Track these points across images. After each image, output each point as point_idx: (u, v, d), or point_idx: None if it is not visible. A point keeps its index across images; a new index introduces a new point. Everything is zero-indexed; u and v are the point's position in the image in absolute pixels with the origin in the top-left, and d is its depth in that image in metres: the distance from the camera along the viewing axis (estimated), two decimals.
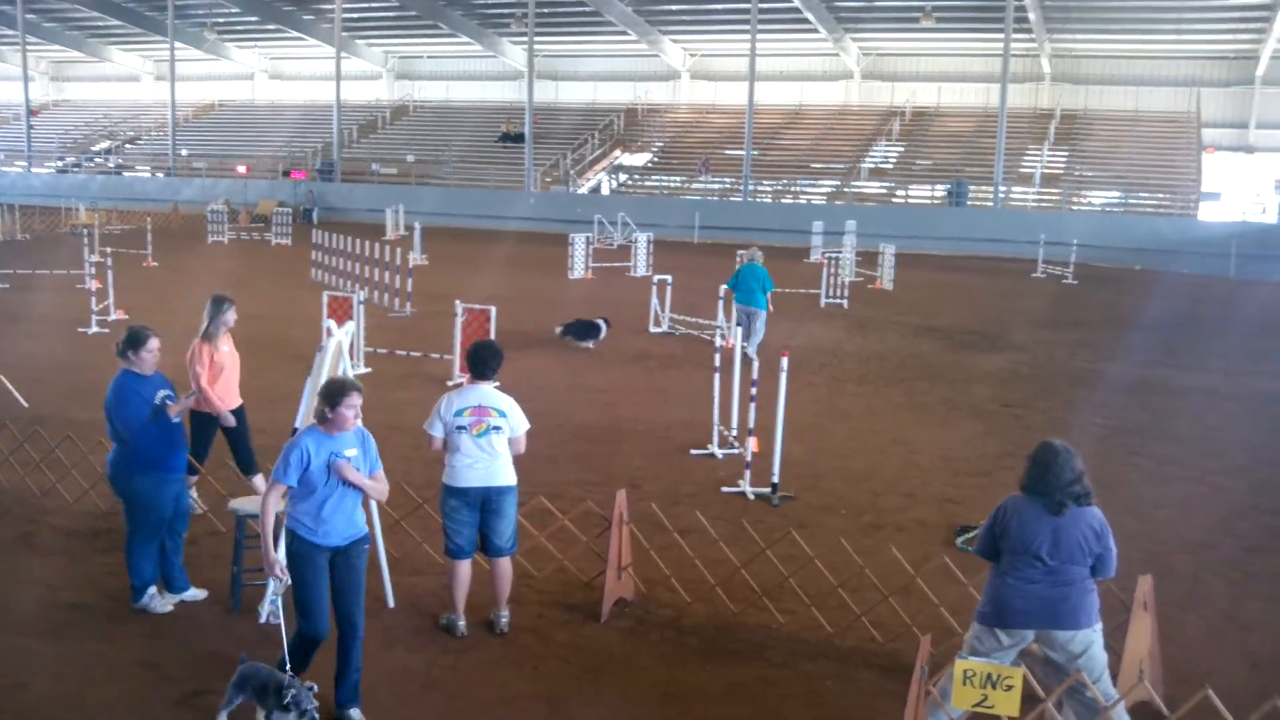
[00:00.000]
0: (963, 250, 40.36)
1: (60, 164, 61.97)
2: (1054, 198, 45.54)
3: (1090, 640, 5.72)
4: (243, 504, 7.86)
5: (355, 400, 6.21)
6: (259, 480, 9.11)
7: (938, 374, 17.22)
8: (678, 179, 51.88)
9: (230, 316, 9.23)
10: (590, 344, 18.36)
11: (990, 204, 44.04)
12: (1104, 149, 48.49)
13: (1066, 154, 48.41)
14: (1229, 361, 19.30)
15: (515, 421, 7.29)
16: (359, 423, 6.35)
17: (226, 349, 9.23)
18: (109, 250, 23.65)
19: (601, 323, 18.65)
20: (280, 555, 6.38)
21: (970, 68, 52.68)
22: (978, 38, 49.51)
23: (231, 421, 9.13)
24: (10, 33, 61.86)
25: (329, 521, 6.19)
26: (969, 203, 44.67)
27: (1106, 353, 19.77)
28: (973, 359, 18.69)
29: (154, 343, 7.64)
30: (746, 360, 11.63)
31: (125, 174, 60.23)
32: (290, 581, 6.23)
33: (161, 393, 7.61)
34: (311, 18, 57.50)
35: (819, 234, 36.69)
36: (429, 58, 64.25)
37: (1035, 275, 34.05)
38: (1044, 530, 5.68)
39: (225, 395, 9.14)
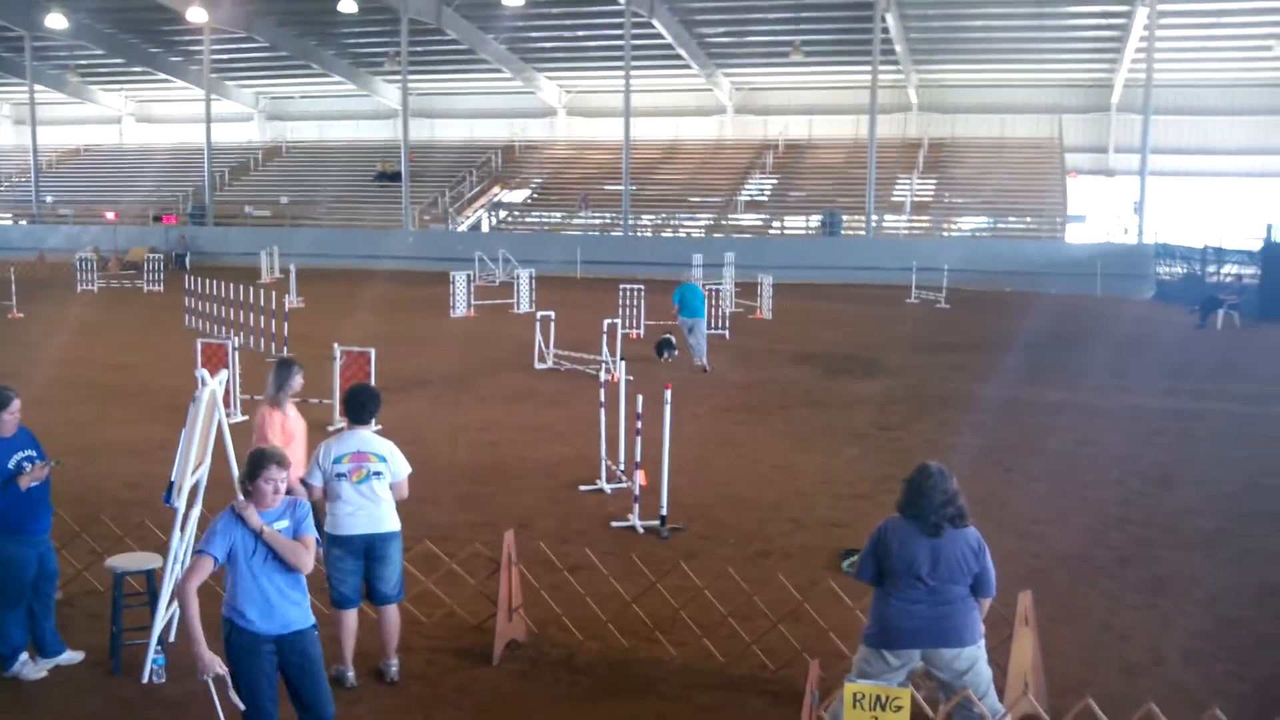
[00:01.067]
0: (838, 279, 41.17)
1: None
2: (925, 225, 46.83)
3: (975, 657, 5.85)
4: (121, 561, 7.62)
5: (275, 474, 5.72)
6: None
7: (817, 400, 17.51)
8: (558, 215, 52.03)
9: (298, 381, 8.65)
10: (669, 357, 20.89)
11: (863, 233, 45.05)
12: (972, 175, 50.00)
13: (935, 181, 49.78)
14: (1098, 378, 19.97)
15: (396, 466, 7.21)
16: (280, 497, 5.82)
17: (292, 414, 8.66)
18: None
19: (671, 338, 21.44)
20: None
21: (840, 100, 53.94)
22: (846, 70, 50.72)
23: (302, 493, 8.39)
24: None
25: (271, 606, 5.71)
26: (843, 232, 45.62)
27: (979, 374, 20.31)
28: (850, 384, 19.05)
29: (15, 404, 7.33)
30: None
31: None
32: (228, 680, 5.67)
33: (19, 455, 7.30)
34: (180, 59, 56.41)
35: (699, 266, 37.05)
36: (301, 98, 63.51)
37: (909, 301, 34.89)
38: (923, 551, 5.80)
39: (295, 464, 8.55)
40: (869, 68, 43.69)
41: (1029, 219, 46.80)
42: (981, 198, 48.52)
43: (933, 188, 49.52)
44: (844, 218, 45.93)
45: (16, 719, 6.81)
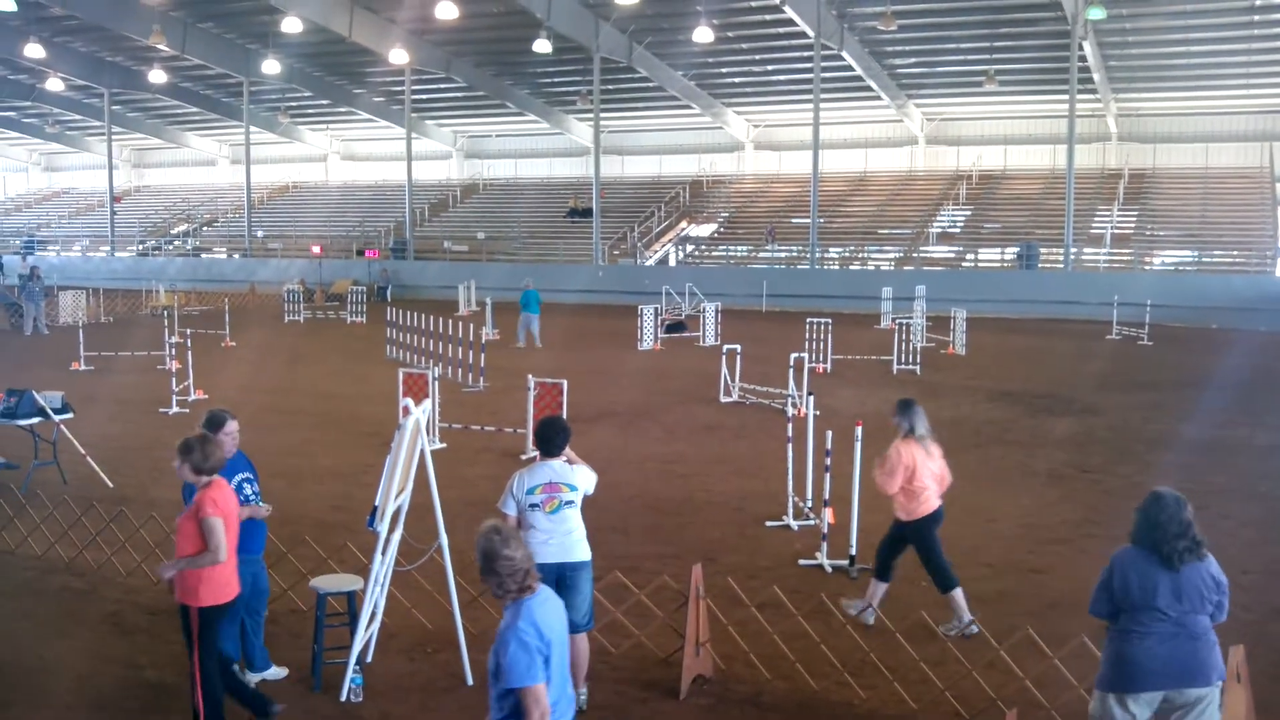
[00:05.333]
0: (1035, 313, 39.94)
1: (141, 247, 63.71)
2: (1125, 258, 45.02)
3: (1215, 699, 5.54)
4: (324, 582, 7.93)
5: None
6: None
7: (1014, 439, 16.97)
8: (744, 248, 52.09)
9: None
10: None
11: (1061, 266, 43.63)
12: (1174, 207, 47.96)
13: (1136, 213, 47.93)
14: None
15: (585, 486, 7.36)
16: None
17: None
18: (188, 331, 24.18)
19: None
20: None
21: (1035, 129, 52.56)
22: (1042, 99, 49.42)
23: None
24: (96, 124, 64.09)
25: None
26: (1039, 265, 44.28)
27: (1185, 414, 19.36)
28: (1048, 423, 18.41)
29: (232, 425, 7.72)
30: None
31: (203, 256, 61.81)
32: None
33: (239, 476, 7.68)
34: (382, 100, 58.88)
35: (888, 300, 36.56)
36: (497, 136, 65.44)
37: (1109, 337, 33.55)
38: (1163, 582, 5.51)
39: None
40: (1066, 96, 42.40)
41: (1236, 252, 44.48)
42: (1185, 230, 46.43)
43: (1134, 219, 47.66)
44: (1040, 250, 44.60)
45: None
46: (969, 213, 50.96)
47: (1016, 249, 45.40)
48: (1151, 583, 5.51)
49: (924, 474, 8.70)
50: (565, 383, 15.23)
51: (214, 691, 6.70)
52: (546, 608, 4.83)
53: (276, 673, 7.86)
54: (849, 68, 46.18)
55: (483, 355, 22.12)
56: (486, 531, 4.81)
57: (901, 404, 9.02)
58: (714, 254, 52.64)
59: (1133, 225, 47.29)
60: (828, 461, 10.61)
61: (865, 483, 10.52)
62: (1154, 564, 5.54)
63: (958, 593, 8.67)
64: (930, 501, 8.76)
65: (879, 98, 50.95)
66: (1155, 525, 5.56)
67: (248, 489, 7.67)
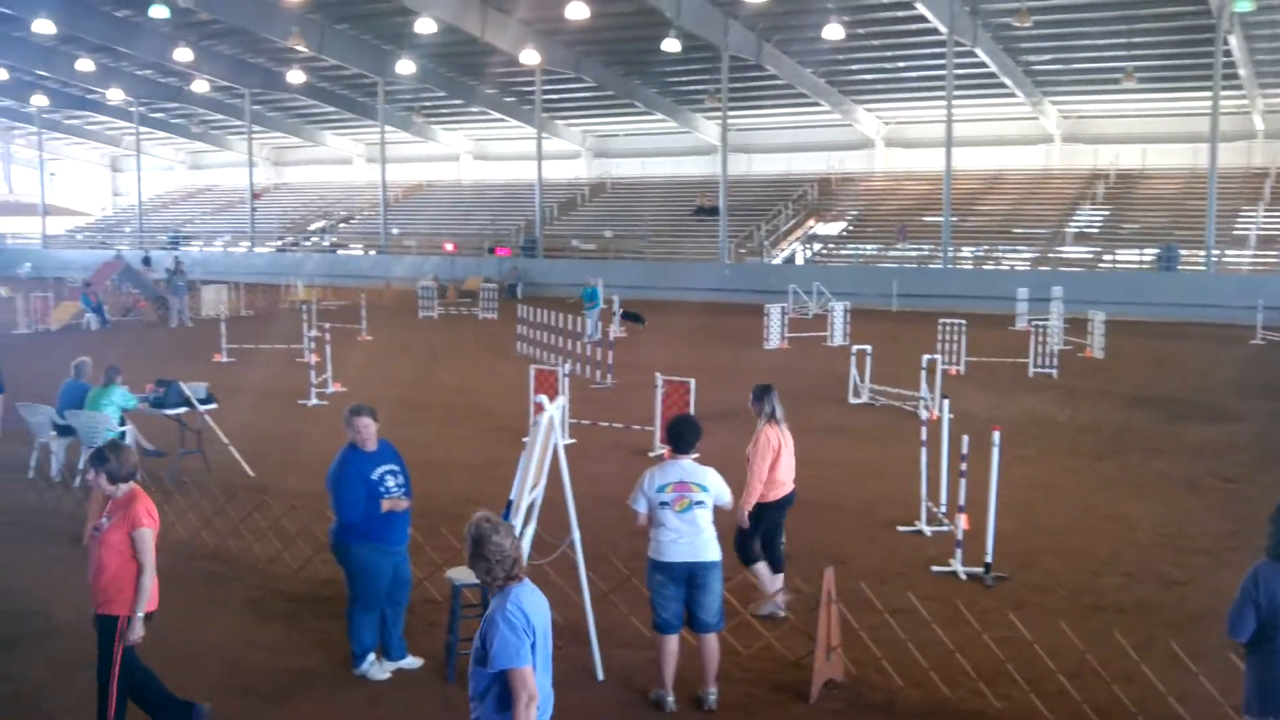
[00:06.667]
0: (1175, 316, 38.59)
1: (280, 243, 65.65)
2: (1271, 260, 43.20)
3: None
4: (459, 574, 8.06)
5: None
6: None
7: (1153, 446, 16.43)
8: (873, 247, 51.43)
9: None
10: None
11: (1203, 268, 42.08)
12: None
13: None
14: None
15: (718, 493, 7.33)
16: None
17: None
18: (326, 325, 24.85)
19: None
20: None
21: (1176, 127, 50.70)
22: (1184, 96, 47.61)
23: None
24: (238, 123, 66.24)
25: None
26: (1180, 267, 42.78)
27: None
28: (1189, 430, 17.77)
29: (364, 419, 7.85)
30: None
31: (340, 252, 63.33)
32: None
33: (382, 468, 7.84)
34: (513, 100, 59.63)
35: (1024, 301, 35.73)
36: (625, 135, 65.75)
37: (1253, 341, 32.25)
38: None
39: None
40: (1209, 93, 40.78)
41: None
42: None
43: None
44: (1181, 252, 43.09)
45: (360, 714, 7.31)
46: (1106, 213, 49.49)
47: (1156, 250, 43.96)
48: None
49: (784, 457, 9.08)
50: (693, 381, 15.23)
51: (123, 706, 6.70)
52: (534, 597, 4.81)
53: (412, 662, 8.02)
54: (982, 64, 45.22)
55: (610, 352, 22.26)
56: (478, 519, 4.83)
57: (760, 389, 9.32)
58: (842, 253, 52.08)
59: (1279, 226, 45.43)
60: (963, 466, 10.39)
61: (1002, 489, 10.31)
62: None
63: (761, 566, 8.78)
64: (786, 485, 9.12)
65: (1013, 95, 49.78)
66: None
67: (390, 481, 7.84)
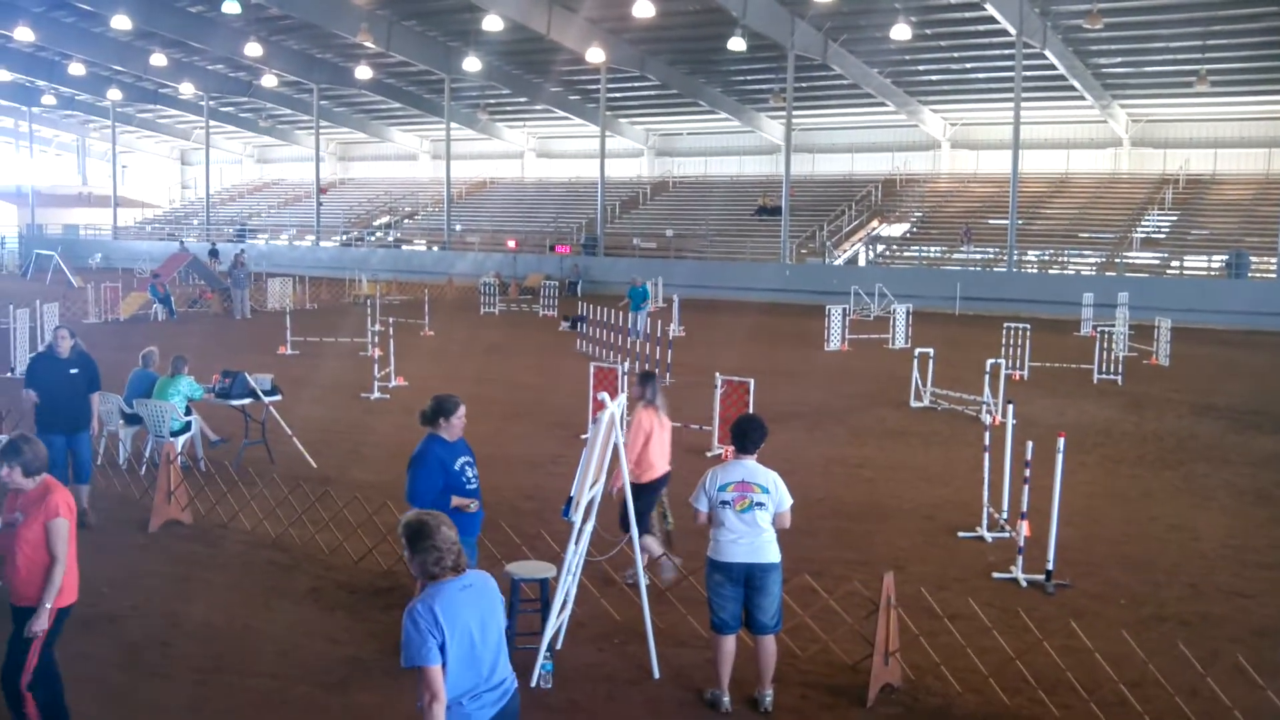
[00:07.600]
0: (1244, 324, 37.84)
1: (345, 238, 66.35)
2: None
3: None
4: (518, 568, 8.11)
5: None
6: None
7: (1220, 456, 16.13)
8: (937, 249, 50.97)
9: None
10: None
11: (1273, 275, 41.22)
12: None
13: None
14: None
15: (779, 496, 7.28)
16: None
17: None
18: (389, 320, 25.08)
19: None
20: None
21: (1249, 132, 49.70)
22: (1258, 100, 46.69)
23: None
24: (305, 118, 67.10)
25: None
26: (1250, 274, 41.96)
27: None
28: (1257, 441, 17.41)
29: (462, 410, 8.01)
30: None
31: (404, 247, 63.85)
32: None
33: (462, 459, 7.94)
34: (577, 98, 59.82)
35: (1089, 306, 35.24)
36: (688, 134, 65.71)
37: None
38: None
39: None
40: None
41: None
42: None
43: None
44: (1251, 259, 42.27)
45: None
46: (1175, 218, 48.63)
47: (1225, 257, 43.13)
48: None
49: (656, 441, 9.59)
50: (752, 381, 15.21)
51: (52, 687, 6.51)
52: (462, 596, 4.78)
53: None
54: (1051, 66, 44.63)
55: (670, 351, 22.27)
56: (419, 512, 4.91)
57: (643, 375, 10.05)
58: (905, 254, 51.67)
59: None
60: (1027, 473, 10.28)
61: (1064, 496, 10.19)
62: None
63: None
64: (659, 466, 9.64)
65: (1082, 97, 49.08)
66: None
67: (469, 472, 7.94)
